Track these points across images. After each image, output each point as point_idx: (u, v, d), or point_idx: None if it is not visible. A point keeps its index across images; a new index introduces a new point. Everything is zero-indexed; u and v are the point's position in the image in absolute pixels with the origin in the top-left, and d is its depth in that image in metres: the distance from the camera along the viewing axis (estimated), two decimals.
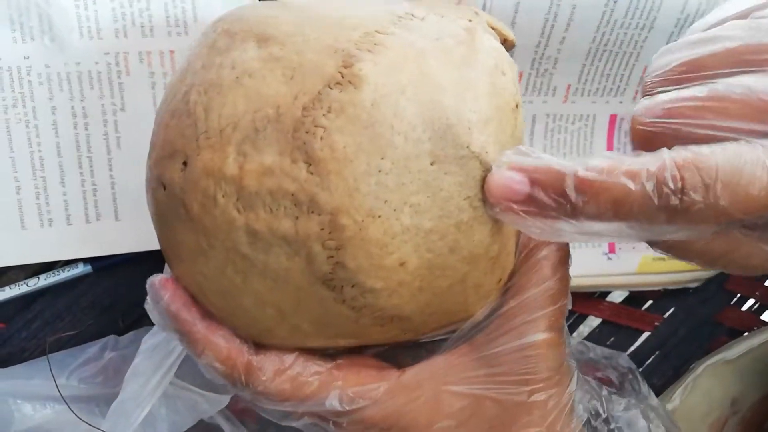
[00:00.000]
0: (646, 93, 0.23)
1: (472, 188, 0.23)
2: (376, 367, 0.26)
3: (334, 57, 0.23)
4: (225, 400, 0.35)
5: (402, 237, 0.22)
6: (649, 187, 0.19)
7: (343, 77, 0.22)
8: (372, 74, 0.22)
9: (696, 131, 0.20)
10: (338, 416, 0.25)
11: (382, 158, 0.22)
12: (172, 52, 0.35)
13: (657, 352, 0.48)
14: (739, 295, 0.49)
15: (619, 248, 0.42)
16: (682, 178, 0.19)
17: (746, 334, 0.48)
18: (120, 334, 0.37)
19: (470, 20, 0.26)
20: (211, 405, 0.35)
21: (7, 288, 0.36)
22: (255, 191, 0.22)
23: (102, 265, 0.37)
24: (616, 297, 0.47)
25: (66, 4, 0.34)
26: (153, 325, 0.34)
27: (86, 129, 0.35)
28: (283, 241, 0.23)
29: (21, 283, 0.36)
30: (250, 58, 0.24)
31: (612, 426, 0.27)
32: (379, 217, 0.22)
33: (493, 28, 0.27)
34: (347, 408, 0.24)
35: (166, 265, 0.28)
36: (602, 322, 0.47)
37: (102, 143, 0.35)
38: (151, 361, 0.33)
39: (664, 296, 0.47)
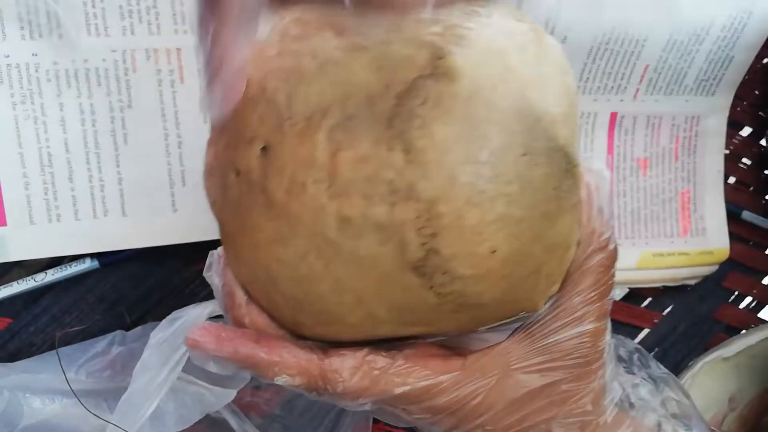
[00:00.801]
0: None
1: (558, 179, 0.24)
2: (440, 356, 0.26)
3: (423, 48, 0.23)
4: (231, 394, 0.36)
5: (496, 225, 0.23)
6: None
7: (436, 68, 0.22)
8: (465, 66, 0.23)
9: None
10: (409, 404, 0.26)
11: (480, 148, 0.22)
12: (178, 49, 0.35)
13: (656, 349, 0.49)
14: (736, 292, 0.50)
15: (619, 244, 0.43)
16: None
17: (743, 331, 0.49)
18: (127, 329, 0.37)
19: (520, 20, 0.26)
20: (218, 399, 0.36)
21: (14, 283, 0.37)
22: (350, 178, 0.22)
23: (109, 260, 0.37)
24: (616, 294, 0.48)
25: (74, 2, 0.34)
26: (160, 320, 0.34)
27: (94, 125, 0.35)
28: (375, 228, 0.23)
29: (28, 278, 0.37)
30: (332, 46, 0.23)
31: (632, 400, 0.29)
32: (476, 205, 0.22)
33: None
34: (417, 401, 0.25)
35: (209, 259, 0.27)
36: None
37: (109, 140, 0.36)
38: (159, 356, 0.33)
39: (663, 293, 0.48)
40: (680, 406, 0.30)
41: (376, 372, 0.25)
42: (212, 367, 0.26)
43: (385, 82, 0.23)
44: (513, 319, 0.27)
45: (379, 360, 0.25)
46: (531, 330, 0.27)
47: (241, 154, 0.24)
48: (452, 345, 0.28)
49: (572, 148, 0.24)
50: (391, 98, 0.22)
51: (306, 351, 0.25)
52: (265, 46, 0.25)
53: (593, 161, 0.28)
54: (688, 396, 0.30)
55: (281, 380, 0.25)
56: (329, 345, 0.26)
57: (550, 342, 0.26)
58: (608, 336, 0.28)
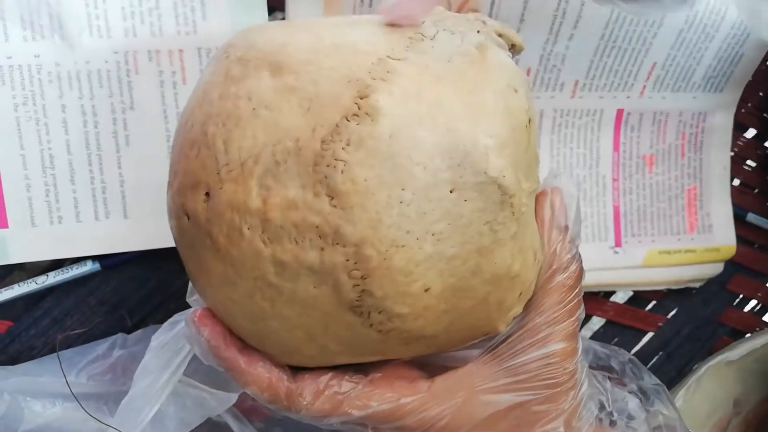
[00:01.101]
0: None
1: (491, 213, 0.24)
2: (407, 378, 0.27)
3: (349, 87, 0.23)
4: (233, 398, 0.35)
5: (425, 264, 0.23)
6: None
7: (359, 108, 0.23)
8: (388, 105, 0.23)
9: None
10: (377, 423, 0.27)
11: (403, 189, 0.23)
12: (180, 51, 0.35)
13: (660, 353, 0.48)
14: (741, 295, 0.49)
15: (626, 242, 0.43)
16: None
17: (748, 335, 0.49)
18: (128, 332, 0.37)
19: (479, 31, 0.26)
20: (220, 403, 0.35)
21: (15, 285, 0.36)
22: (280, 224, 0.23)
23: (110, 263, 0.37)
24: (620, 298, 0.47)
25: (76, 3, 0.34)
26: (161, 323, 0.34)
27: (96, 127, 0.35)
28: (309, 271, 0.23)
29: (29, 280, 0.36)
30: (265, 88, 0.24)
31: (614, 418, 0.29)
32: (403, 246, 0.23)
33: (500, 35, 0.27)
34: (384, 421, 0.26)
35: (190, 285, 0.29)
36: (606, 323, 0.47)
37: (111, 141, 0.36)
38: (160, 359, 0.33)
39: (667, 297, 0.48)
40: (665, 419, 0.30)
41: (339, 396, 0.26)
42: (196, 350, 0.27)
43: (312, 125, 0.23)
44: (479, 340, 0.27)
45: (343, 384, 0.26)
46: (497, 351, 0.27)
47: (188, 199, 0.25)
48: (427, 362, 0.28)
49: (508, 178, 0.24)
50: (317, 142, 0.23)
51: (279, 370, 0.27)
52: (209, 87, 0.26)
53: (561, 179, 0.28)
54: (676, 409, 0.30)
55: (250, 390, 0.27)
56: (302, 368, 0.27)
57: (516, 363, 0.27)
58: (579, 357, 0.28)
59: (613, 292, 0.47)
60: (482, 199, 0.23)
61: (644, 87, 0.41)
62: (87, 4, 0.34)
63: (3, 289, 0.36)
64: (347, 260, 0.23)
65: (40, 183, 0.35)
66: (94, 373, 0.36)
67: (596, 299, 0.46)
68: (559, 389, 0.27)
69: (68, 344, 0.37)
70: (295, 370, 0.27)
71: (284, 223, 0.23)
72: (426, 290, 0.23)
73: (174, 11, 0.35)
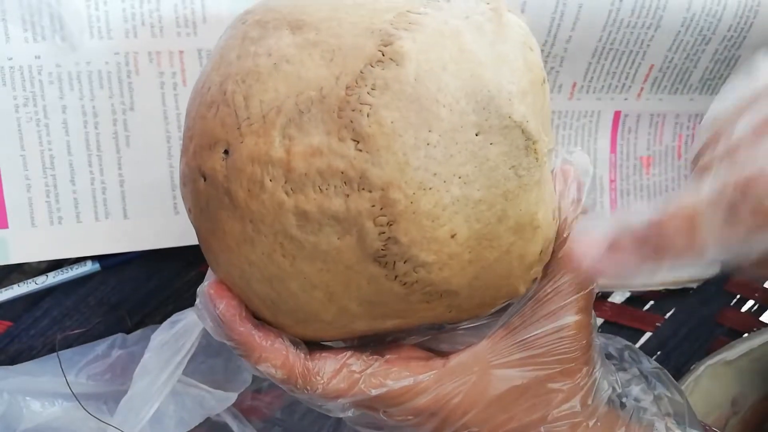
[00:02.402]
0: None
1: (516, 157, 0.24)
2: (422, 358, 0.27)
3: (373, 37, 0.23)
4: (232, 397, 0.36)
5: (452, 208, 0.23)
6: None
7: (384, 55, 0.23)
8: (412, 50, 0.23)
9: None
10: (389, 406, 0.26)
11: (430, 131, 0.22)
12: (181, 52, 0.35)
13: (658, 353, 0.48)
14: (738, 296, 0.49)
15: None
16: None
17: (746, 335, 0.49)
18: (128, 332, 0.37)
19: (488, 2, 0.26)
20: (219, 402, 0.35)
21: (15, 286, 0.36)
22: (304, 172, 0.23)
23: (110, 263, 0.37)
24: (618, 298, 0.48)
25: (77, 5, 0.34)
26: (161, 323, 0.34)
27: (96, 128, 0.36)
28: (333, 221, 0.23)
29: (29, 280, 0.37)
30: (285, 44, 0.24)
31: (624, 400, 0.29)
32: (430, 189, 0.22)
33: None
34: (397, 402, 0.26)
35: (207, 273, 0.28)
36: (604, 323, 0.47)
37: (111, 142, 0.36)
38: (160, 358, 0.33)
39: (665, 297, 0.48)
40: (673, 404, 0.30)
41: (356, 375, 0.26)
42: (207, 325, 0.26)
43: (337, 74, 0.23)
44: (498, 308, 0.26)
45: (359, 362, 0.26)
46: (510, 324, 0.27)
47: (206, 159, 0.25)
48: (439, 348, 0.28)
49: (531, 125, 0.24)
50: (341, 89, 0.23)
51: (296, 349, 0.26)
52: (226, 51, 0.26)
53: (576, 155, 0.28)
54: (681, 392, 0.30)
55: (264, 367, 0.26)
56: (316, 346, 0.27)
57: (530, 336, 0.26)
58: (594, 333, 0.27)
59: (611, 293, 0.47)
60: (507, 143, 0.23)
61: (642, 89, 0.41)
62: (88, 6, 0.34)
63: (3, 290, 0.36)
64: (373, 206, 0.22)
65: (40, 183, 0.35)
66: (93, 373, 0.36)
67: (594, 299, 0.46)
68: (573, 364, 0.26)
69: (68, 344, 0.37)
70: (311, 348, 0.26)
71: (308, 171, 0.23)
72: (452, 236, 0.23)
73: (174, 13, 0.35)
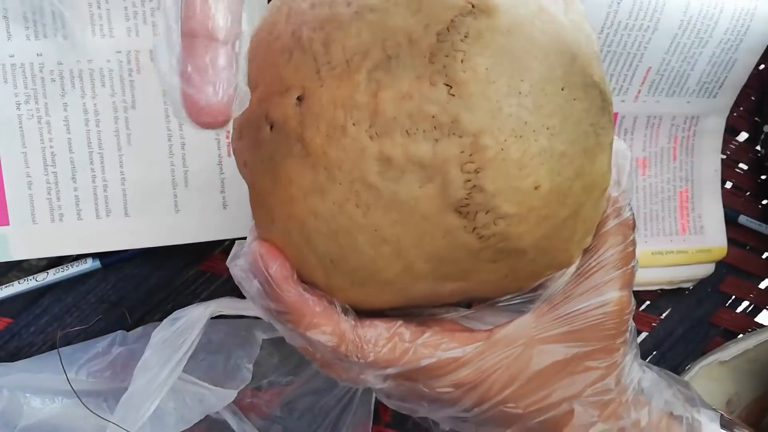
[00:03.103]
0: None
1: (595, 115, 0.24)
2: (465, 330, 0.27)
3: None
4: (232, 395, 0.36)
5: (539, 159, 0.23)
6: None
7: (474, 6, 0.23)
8: (503, 3, 0.23)
9: None
10: (431, 378, 0.26)
11: (522, 80, 0.23)
12: None
13: (654, 353, 0.49)
14: (733, 297, 0.50)
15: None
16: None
17: (741, 335, 0.49)
18: (128, 329, 0.37)
19: None
20: (219, 400, 0.35)
21: (15, 283, 0.36)
22: (392, 116, 0.22)
23: (110, 260, 0.37)
24: None
25: (79, 3, 0.34)
26: (161, 321, 0.34)
27: (97, 126, 0.36)
28: (418, 167, 0.23)
29: (30, 277, 0.37)
30: None
31: (643, 385, 0.29)
32: (521, 137, 0.23)
33: None
34: (441, 374, 0.25)
35: (234, 249, 0.26)
36: None
37: (113, 140, 0.36)
38: (160, 355, 0.33)
39: (661, 297, 0.48)
40: (683, 393, 0.30)
41: (407, 344, 0.25)
42: (252, 288, 0.25)
43: (425, 23, 0.23)
44: (541, 281, 0.26)
45: (409, 332, 0.25)
46: (553, 298, 0.27)
47: (275, 105, 0.24)
48: (486, 320, 0.28)
49: (607, 86, 0.24)
50: (431, 36, 0.23)
51: (347, 317, 0.25)
52: (295, 3, 0.25)
53: (615, 142, 0.27)
54: (687, 384, 0.30)
55: (314, 334, 0.25)
56: (363, 314, 0.26)
57: (573, 311, 0.26)
58: (632, 311, 0.27)
59: None
60: (588, 100, 0.24)
61: (639, 91, 0.41)
62: (90, 4, 0.34)
63: (3, 287, 0.36)
64: (462, 152, 0.22)
65: (41, 181, 0.35)
66: (93, 370, 0.36)
67: None
68: (613, 341, 0.26)
69: (68, 341, 0.37)
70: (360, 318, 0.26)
71: (397, 115, 0.22)
72: (536, 188, 0.23)
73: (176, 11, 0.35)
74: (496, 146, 0.22)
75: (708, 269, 0.46)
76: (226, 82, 0.20)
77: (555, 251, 0.25)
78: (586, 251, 0.27)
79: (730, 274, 0.49)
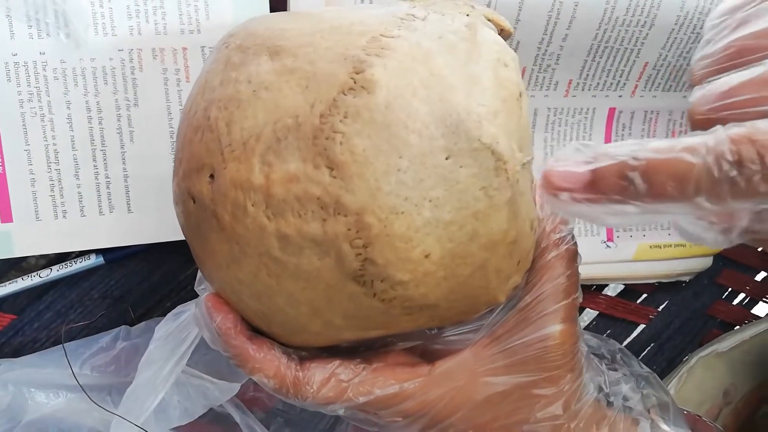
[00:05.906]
0: (695, 84, 0.23)
1: (486, 178, 0.24)
2: (408, 364, 0.28)
3: (345, 64, 0.24)
4: (235, 388, 0.36)
5: (424, 230, 0.24)
6: (709, 160, 0.19)
7: (355, 83, 0.23)
8: (383, 78, 0.23)
9: (753, 110, 0.20)
10: (378, 409, 0.27)
11: (400, 157, 0.23)
12: (184, 49, 0.36)
13: (652, 344, 0.49)
14: (730, 289, 0.50)
15: (617, 236, 0.44)
16: (738, 151, 0.18)
17: (737, 327, 0.50)
18: (131, 324, 0.38)
19: (468, 14, 0.27)
20: (222, 393, 0.36)
21: (19, 279, 0.37)
22: (283, 198, 0.24)
23: (114, 256, 0.38)
24: (612, 291, 0.48)
25: (82, 2, 0.34)
26: (164, 315, 0.35)
27: (100, 123, 0.36)
28: (312, 243, 0.24)
29: (33, 274, 0.37)
30: (264, 71, 0.25)
31: (611, 399, 0.29)
32: (402, 213, 0.23)
33: (489, 20, 0.28)
34: (386, 406, 0.27)
35: (199, 274, 0.29)
36: (599, 315, 0.48)
37: (116, 137, 0.36)
38: (164, 349, 0.33)
39: (658, 290, 0.49)
40: (659, 400, 0.30)
41: (344, 384, 0.27)
42: (205, 334, 0.28)
43: (311, 102, 0.24)
44: (483, 313, 0.27)
45: (347, 371, 0.27)
46: (495, 332, 0.27)
47: (194, 182, 0.26)
48: (427, 350, 0.29)
49: (502, 144, 0.24)
50: (315, 117, 0.23)
51: (287, 358, 0.27)
52: (210, 76, 0.27)
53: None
54: (668, 394, 0.31)
55: (257, 378, 0.27)
56: (315, 350, 0.28)
57: (515, 345, 0.27)
58: (581, 341, 0.28)
59: (605, 286, 0.48)
60: (477, 165, 0.24)
61: (636, 86, 0.42)
62: (92, 3, 0.35)
63: (7, 283, 0.37)
64: (349, 229, 0.23)
65: (44, 178, 0.36)
66: (97, 365, 0.36)
67: (588, 292, 0.47)
68: (557, 372, 0.27)
69: (72, 337, 0.37)
70: (302, 359, 0.28)
71: (287, 197, 0.24)
72: (426, 256, 0.24)
73: (178, 10, 0.35)
74: (379, 224, 0.23)
75: (705, 262, 0.47)
76: None
77: (474, 297, 0.26)
78: (528, 282, 0.27)
79: (727, 266, 0.50)
